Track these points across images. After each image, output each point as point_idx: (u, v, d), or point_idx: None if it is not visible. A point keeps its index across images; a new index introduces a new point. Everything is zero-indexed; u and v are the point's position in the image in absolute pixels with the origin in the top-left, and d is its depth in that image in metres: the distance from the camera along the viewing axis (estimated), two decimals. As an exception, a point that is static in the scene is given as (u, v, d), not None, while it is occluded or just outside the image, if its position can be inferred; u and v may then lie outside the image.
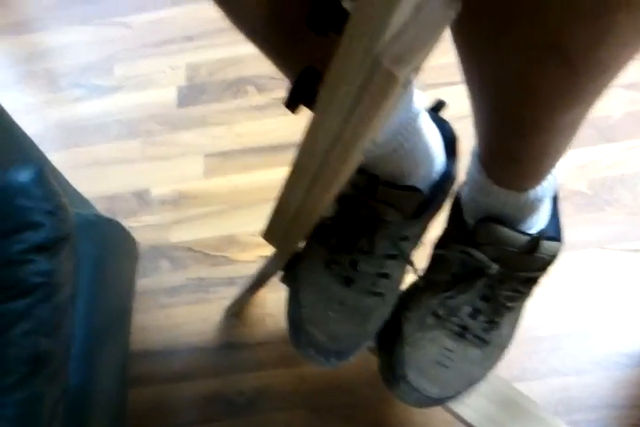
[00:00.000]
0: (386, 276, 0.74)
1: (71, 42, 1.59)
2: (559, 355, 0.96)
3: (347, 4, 0.41)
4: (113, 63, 1.53)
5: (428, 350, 0.73)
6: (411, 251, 0.77)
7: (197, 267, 1.15)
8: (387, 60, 0.39)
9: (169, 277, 1.15)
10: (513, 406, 0.76)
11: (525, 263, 0.69)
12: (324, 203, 0.60)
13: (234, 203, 1.23)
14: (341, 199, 0.72)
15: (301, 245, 0.78)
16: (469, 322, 0.73)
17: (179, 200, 1.25)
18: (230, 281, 1.11)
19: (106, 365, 0.84)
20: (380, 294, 0.75)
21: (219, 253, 1.17)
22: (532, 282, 0.72)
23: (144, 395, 1.02)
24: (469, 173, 0.71)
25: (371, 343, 0.78)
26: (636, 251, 1.04)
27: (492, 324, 0.73)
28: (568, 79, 0.48)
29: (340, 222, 0.75)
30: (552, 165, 0.64)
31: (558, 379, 0.95)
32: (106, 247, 0.89)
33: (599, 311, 1.00)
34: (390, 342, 0.76)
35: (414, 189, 0.70)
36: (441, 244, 0.77)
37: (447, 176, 0.75)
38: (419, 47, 0.40)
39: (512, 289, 0.72)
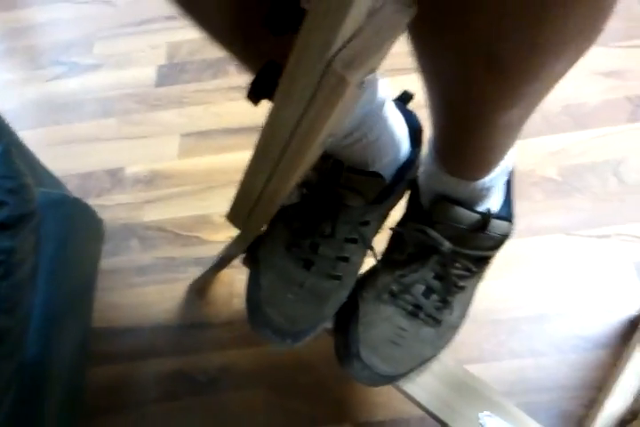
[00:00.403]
0: (345, 259, 0.76)
1: (52, 19, 1.59)
2: (517, 338, 0.97)
3: (305, 5, 0.41)
4: (93, 41, 1.53)
5: (382, 328, 0.74)
6: (371, 236, 0.78)
7: (168, 247, 1.16)
8: (339, 65, 0.40)
9: (139, 256, 1.15)
10: (464, 387, 0.77)
11: (477, 242, 0.71)
12: (286, 189, 0.61)
13: (208, 183, 1.23)
14: (306, 184, 0.73)
15: (264, 227, 0.79)
16: (423, 301, 0.74)
17: (153, 179, 1.25)
18: (200, 261, 1.12)
19: (65, 340, 0.84)
20: (338, 278, 0.76)
21: (190, 234, 1.17)
22: (483, 261, 0.75)
23: (109, 372, 1.03)
24: (425, 161, 0.73)
25: (327, 325, 0.79)
26: (601, 237, 1.05)
27: (445, 303, 0.75)
28: (503, 84, 0.50)
29: (303, 206, 0.76)
30: (498, 159, 0.67)
31: (515, 361, 0.96)
32: (70, 227, 0.89)
33: (560, 296, 1.00)
34: (346, 321, 0.77)
35: (377, 176, 0.72)
36: (399, 224, 0.78)
37: (410, 165, 0.77)
38: (372, 52, 0.41)
39: (464, 268, 0.74)
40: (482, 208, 0.71)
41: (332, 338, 0.78)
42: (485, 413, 0.75)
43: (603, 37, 1.30)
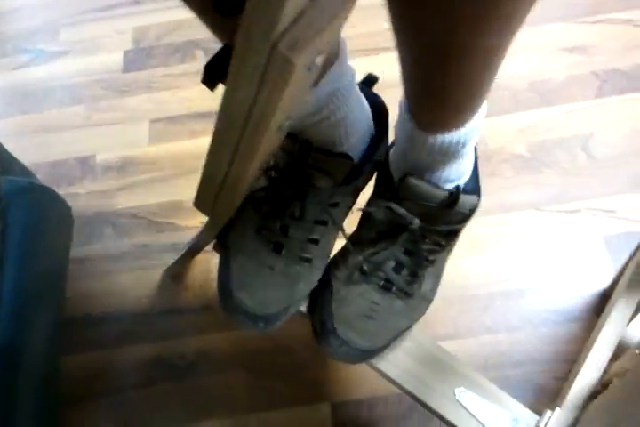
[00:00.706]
0: (315, 242, 0.77)
1: (17, 6, 1.56)
2: (491, 313, 0.99)
3: None
4: (59, 28, 1.50)
5: (356, 304, 0.75)
6: (341, 217, 0.79)
7: (142, 233, 1.15)
8: (284, 46, 0.40)
9: (113, 243, 1.15)
10: (438, 363, 0.78)
11: (446, 217, 0.72)
12: (248, 173, 0.61)
13: (179, 169, 1.23)
14: (274, 167, 0.74)
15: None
16: (394, 276, 0.76)
17: (123, 166, 1.24)
18: (175, 247, 1.11)
19: (36, 328, 0.84)
20: (309, 260, 0.77)
21: (164, 220, 1.17)
22: (452, 235, 0.75)
23: (87, 360, 1.03)
24: (397, 125, 0.72)
25: (302, 308, 0.80)
26: (571, 212, 1.06)
27: (415, 277, 0.76)
28: (482, 4, 0.49)
29: (272, 189, 0.76)
30: (473, 104, 0.65)
31: (490, 336, 0.97)
32: (38, 214, 0.89)
33: (532, 271, 1.02)
34: (320, 299, 0.78)
35: (346, 157, 0.72)
36: (368, 203, 0.79)
37: (378, 145, 0.78)
38: (317, 33, 0.41)
39: (433, 242, 0.75)
40: (453, 175, 0.72)
41: (308, 320, 0.79)
42: (460, 388, 0.76)
43: (566, 13, 1.32)
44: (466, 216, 0.73)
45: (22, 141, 1.31)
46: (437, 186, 0.70)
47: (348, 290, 0.76)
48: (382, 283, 0.76)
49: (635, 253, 0.88)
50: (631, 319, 0.81)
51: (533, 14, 1.29)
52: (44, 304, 0.88)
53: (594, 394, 0.75)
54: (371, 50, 1.29)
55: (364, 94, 0.76)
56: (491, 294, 1.01)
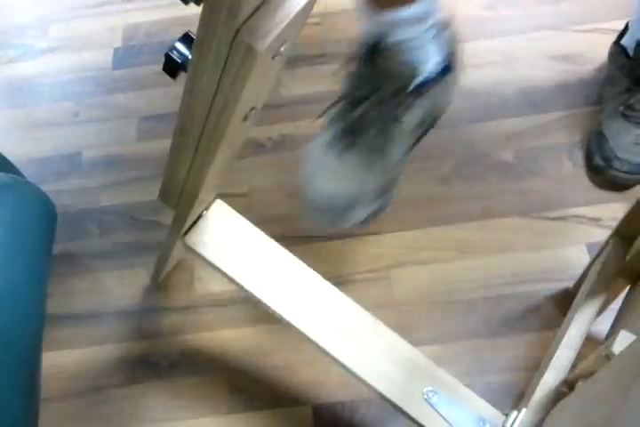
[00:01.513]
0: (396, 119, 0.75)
1: (7, 1, 1.55)
2: (474, 318, 0.99)
3: None
4: (49, 24, 1.50)
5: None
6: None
7: (127, 231, 1.15)
8: (246, 33, 0.39)
9: (97, 241, 1.14)
10: (406, 363, 0.78)
11: None
12: (215, 165, 0.60)
13: (167, 167, 1.22)
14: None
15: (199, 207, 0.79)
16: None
17: (110, 163, 1.24)
18: (159, 246, 1.11)
19: (19, 325, 0.84)
20: (383, 150, 0.77)
21: (149, 218, 1.17)
22: None
23: (70, 358, 1.03)
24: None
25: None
26: (555, 219, 1.07)
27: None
28: None
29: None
30: None
31: (472, 341, 0.97)
32: (20, 210, 0.88)
33: (514, 277, 1.02)
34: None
35: None
36: None
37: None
38: (282, 20, 0.40)
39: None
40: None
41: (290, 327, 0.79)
42: (429, 388, 0.76)
43: (558, 21, 1.32)
44: None
45: (9, 137, 1.31)
46: None
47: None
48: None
49: (598, 254, 0.88)
50: (595, 319, 0.82)
51: (524, 22, 1.30)
52: (27, 302, 0.88)
53: (559, 395, 0.75)
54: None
55: None
56: (472, 299, 1.01)
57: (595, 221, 1.06)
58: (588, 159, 1.11)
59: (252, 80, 0.44)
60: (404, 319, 1.00)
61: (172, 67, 0.51)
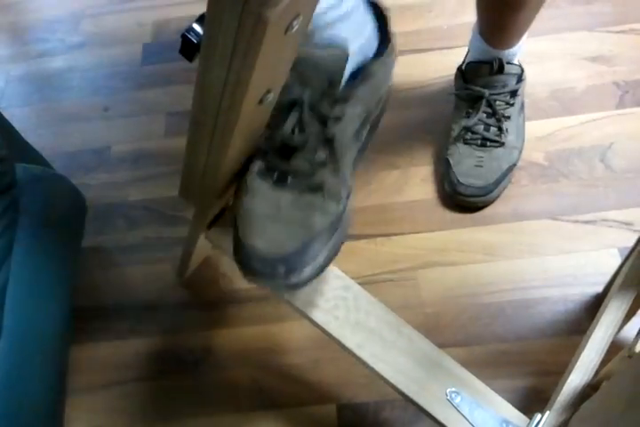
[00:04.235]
0: (323, 165, 0.67)
1: (38, -5, 1.57)
2: (502, 322, 0.98)
3: None
4: (80, 18, 1.51)
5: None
6: (349, 135, 0.69)
7: (154, 226, 1.15)
8: (255, 2, 0.38)
9: (125, 235, 1.15)
10: (429, 363, 0.76)
11: (502, 82, 1.12)
12: (231, 152, 0.59)
13: (194, 163, 1.22)
14: None
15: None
16: (485, 134, 1.09)
17: (138, 158, 1.24)
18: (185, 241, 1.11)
19: (47, 316, 0.84)
20: (320, 187, 0.67)
21: (176, 213, 1.17)
22: (514, 94, 1.13)
23: (96, 351, 1.03)
24: (471, 44, 1.13)
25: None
26: (586, 223, 1.06)
27: (500, 130, 1.10)
28: None
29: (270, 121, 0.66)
30: (523, 33, 1.07)
31: (499, 345, 0.96)
32: (51, 202, 0.89)
33: (544, 281, 1.01)
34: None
35: (338, 46, 0.64)
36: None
37: (381, 42, 0.72)
38: None
39: (504, 102, 1.12)
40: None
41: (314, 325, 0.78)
42: (452, 389, 0.75)
43: (591, 22, 1.31)
44: (518, 79, 1.12)
45: (39, 130, 1.31)
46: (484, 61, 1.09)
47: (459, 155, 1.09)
48: (480, 142, 1.03)
49: (627, 258, 0.87)
50: (624, 323, 0.81)
51: (557, 23, 1.29)
52: (54, 292, 0.88)
53: (584, 397, 0.74)
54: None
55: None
56: (501, 302, 1.00)
57: (626, 225, 1.05)
58: (440, 186, 1.13)
59: (265, 54, 0.43)
60: (430, 321, 0.99)
61: (189, 48, 0.50)
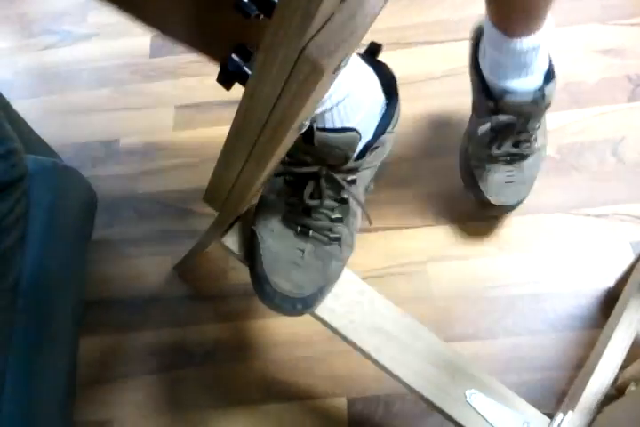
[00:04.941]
0: (340, 220, 0.77)
1: (46, -13, 1.56)
2: (513, 315, 0.98)
3: None
4: (87, 10, 1.50)
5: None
6: (361, 192, 0.78)
7: (163, 219, 1.15)
8: (313, 51, 0.39)
9: (134, 227, 1.14)
10: (447, 364, 0.76)
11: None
12: (265, 171, 0.60)
13: (203, 155, 1.22)
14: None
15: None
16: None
17: (147, 151, 1.24)
18: (195, 234, 1.10)
19: (58, 308, 0.84)
20: (337, 239, 0.77)
21: (185, 206, 1.16)
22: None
23: (103, 343, 1.03)
24: (484, 34, 0.91)
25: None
26: (598, 216, 1.05)
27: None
28: None
29: (288, 172, 0.76)
30: (544, 14, 0.85)
31: (511, 339, 0.96)
32: (61, 194, 0.88)
33: (556, 274, 1.01)
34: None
35: (350, 130, 0.69)
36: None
37: (389, 117, 0.76)
38: (346, 37, 0.40)
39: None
40: (536, 71, 0.91)
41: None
42: (471, 390, 0.75)
43: (603, 14, 1.30)
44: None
45: (47, 122, 1.31)
46: (526, 88, 0.90)
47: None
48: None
49: None
50: None
51: (569, 15, 1.28)
52: (66, 285, 0.88)
53: (608, 398, 0.73)
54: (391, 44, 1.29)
55: (370, 64, 0.74)
56: (512, 295, 1.00)
57: (639, 218, 1.04)
58: (464, 192, 1.06)
59: (314, 95, 0.44)
60: (441, 315, 0.99)
61: (227, 78, 0.51)
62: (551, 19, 0.86)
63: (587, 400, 0.74)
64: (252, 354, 0.99)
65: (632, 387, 0.69)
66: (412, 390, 0.75)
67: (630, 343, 0.77)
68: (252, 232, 0.79)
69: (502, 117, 0.93)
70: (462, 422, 0.73)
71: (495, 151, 0.97)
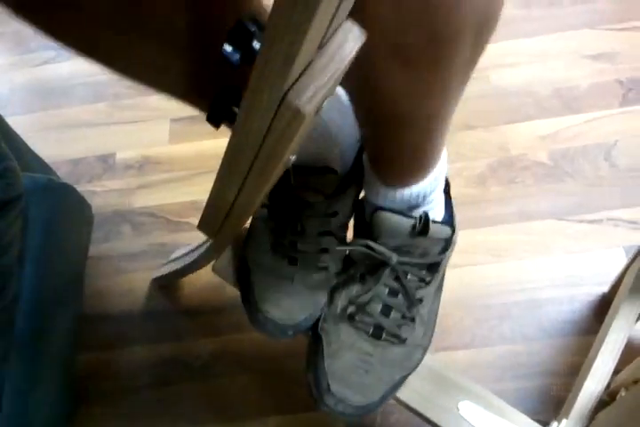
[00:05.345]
0: (326, 250, 0.77)
1: (41, 2, 1.57)
2: (508, 323, 0.98)
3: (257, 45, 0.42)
4: (82, 25, 1.51)
5: (348, 357, 0.73)
6: (344, 223, 0.79)
7: (159, 232, 1.16)
8: (293, 97, 0.40)
9: (130, 242, 1.15)
10: (437, 377, 0.76)
11: (422, 248, 0.70)
12: (256, 202, 0.62)
13: (199, 168, 1.23)
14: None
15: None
16: (382, 320, 0.73)
17: (143, 165, 1.25)
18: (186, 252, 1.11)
19: (54, 326, 0.85)
20: (324, 268, 0.78)
21: (181, 219, 1.17)
22: (434, 268, 0.73)
23: (101, 358, 1.03)
24: (365, 177, 0.74)
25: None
26: (592, 222, 1.05)
27: (405, 319, 0.74)
28: (412, 75, 0.51)
29: (272, 207, 0.78)
30: (426, 163, 0.67)
31: (507, 346, 0.96)
32: (58, 211, 0.89)
33: (550, 281, 1.01)
34: (314, 357, 0.76)
35: (328, 171, 0.72)
36: (349, 243, 0.78)
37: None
38: (325, 81, 0.41)
39: (417, 278, 0.73)
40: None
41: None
42: (463, 402, 0.75)
43: (593, 19, 1.30)
44: (443, 248, 0.72)
45: (43, 138, 1.32)
46: (405, 214, 0.69)
47: (337, 341, 0.74)
48: (372, 330, 0.73)
49: (634, 258, 0.87)
50: (635, 323, 0.81)
51: (559, 20, 1.29)
52: (63, 302, 0.89)
53: (600, 404, 0.74)
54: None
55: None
56: (507, 303, 1.00)
57: (632, 224, 1.04)
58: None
59: (297, 136, 0.45)
60: (437, 324, 0.99)
61: (217, 118, 0.52)
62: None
63: (580, 407, 0.74)
64: (249, 367, 1.00)
65: (622, 393, 0.69)
66: (403, 404, 0.76)
67: (622, 349, 0.77)
68: (243, 258, 0.81)
69: (378, 248, 0.73)
70: None
71: (359, 294, 0.76)
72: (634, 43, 1.25)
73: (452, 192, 1.08)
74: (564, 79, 1.23)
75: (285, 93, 0.40)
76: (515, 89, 1.22)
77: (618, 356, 0.77)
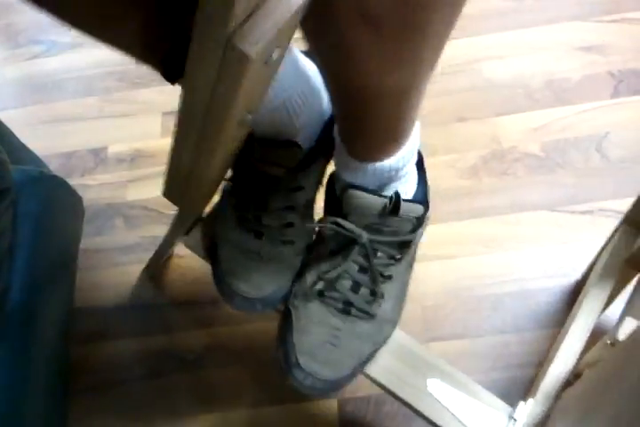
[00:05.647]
0: (291, 224, 0.77)
1: (30, -4, 1.56)
2: (501, 313, 0.99)
3: None
4: (73, 19, 1.50)
5: (316, 332, 0.72)
6: (310, 197, 0.79)
7: (152, 225, 1.16)
8: (238, 39, 0.40)
9: (123, 235, 1.15)
10: (410, 357, 0.77)
11: (392, 227, 0.69)
12: (213, 166, 0.61)
13: (191, 162, 1.22)
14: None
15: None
16: (351, 296, 0.72)
17: (135, 158, 1.25)
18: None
19: (46, 318, 0.85)
20: (290, 242, 0.78)
21: (174, 212, 1.16)
22: (405, 246, 0.72)
23: (94, 351, 1.03)
24: (335, 152, 0.72)
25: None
26: (584, 213, 1.06)
27: (374, 296, 0.73)
28: (382, 44, 0.49)
29: (235, 181, 0.78)
30: (398, 136, 0.65)
31: (499, 336, 0.97)
32: (48, 204, 0.89)
33: (543, 271, 1.01)
34: (283, 331, 0.75)
35: (291, 145, 0.70)
36: (319, 220, 0.77)
37: (332, 125, 0.74)
38: (273, 26, 0.41)
39: (387, 256, 0.72)
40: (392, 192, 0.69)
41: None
42: (433, 381, 0.75)
43: (583, 11, 1.31)
44: (415, 226, 0.70)
45: (35, 132, 1.32)
46: (377, 193, 0.68)
47: (306, 316, 0.73)
48: (341, 306, 0.72)
49: (607, 243, 0.87)
50: (604, 309, 0.81)
51: (550, 12, 1.29)
52: (54, 294, 0.88)
53: (566, 384, 0.74)
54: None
55: (314, 62, 0.71)
56: (500, 293, 1.00)
57: (623, 214, 1.04)
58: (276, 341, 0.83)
59: (246, 86, 0.45)
60: (429, 314, 1.00)
61: (172, 73, 0.52)
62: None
63: (546, 387, 0.75)
64: (242, 359, 1.00)
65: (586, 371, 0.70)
66: (374, 381, 0.76)
67: (590, 331, 0.78)
68: (210, 233, 0.82)
69: (348, 226, 0.72)
70: (424, 412, 0.74)
71: (328, 270, 0.75)
72: (625, 34, 1.25)
73: (444, 184, 1.09)
74: (555, 71, 1.23)
75: (229, 37, 0.40)
76: (506, 81, 1.22)
77: (585, 339, 0.78)
